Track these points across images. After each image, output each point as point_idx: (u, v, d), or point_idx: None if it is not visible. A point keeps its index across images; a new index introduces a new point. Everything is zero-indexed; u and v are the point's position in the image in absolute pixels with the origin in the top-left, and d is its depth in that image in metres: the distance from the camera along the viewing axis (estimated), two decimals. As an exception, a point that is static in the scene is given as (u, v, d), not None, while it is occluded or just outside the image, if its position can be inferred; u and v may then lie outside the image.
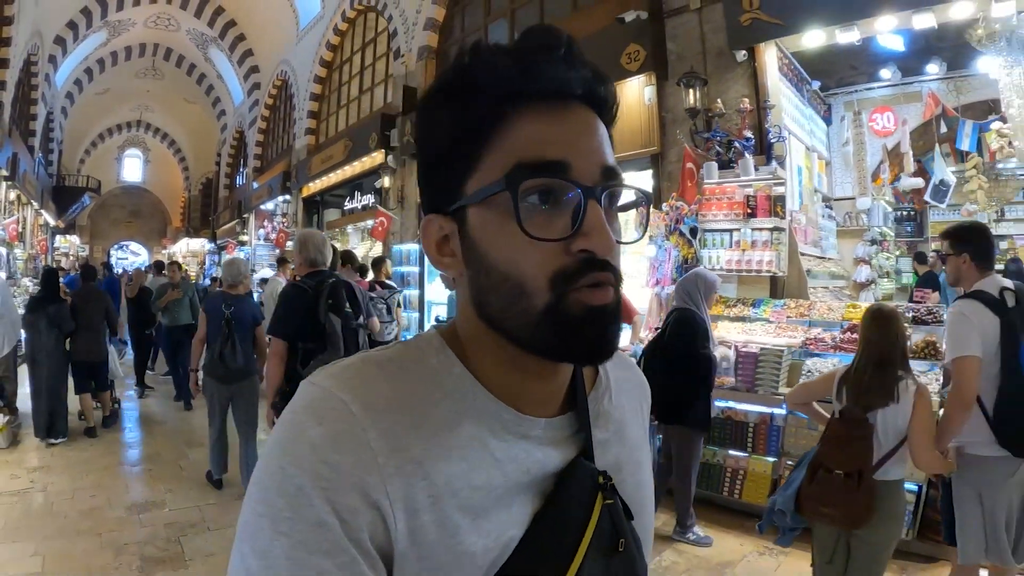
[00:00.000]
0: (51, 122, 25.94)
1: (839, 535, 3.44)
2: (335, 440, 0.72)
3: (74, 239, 35.04)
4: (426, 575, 0.75)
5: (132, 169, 43.29)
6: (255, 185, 24.66)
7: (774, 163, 7.00)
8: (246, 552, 0.70)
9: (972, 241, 3.77)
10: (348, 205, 17.48)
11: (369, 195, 15.75)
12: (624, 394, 1.04)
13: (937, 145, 9.52)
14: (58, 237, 29.92)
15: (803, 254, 7.27)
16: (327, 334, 4.68)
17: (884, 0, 6.72)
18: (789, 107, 8.25)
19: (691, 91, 7.48)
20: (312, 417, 0.74)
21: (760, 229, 6.84)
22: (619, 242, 0.81)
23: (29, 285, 15.63)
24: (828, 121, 10.44)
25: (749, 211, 6.84)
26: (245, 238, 25.69)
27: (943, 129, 9.48)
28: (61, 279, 10.00)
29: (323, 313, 4.70)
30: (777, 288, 7.05)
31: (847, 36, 7.14)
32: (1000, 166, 10.08)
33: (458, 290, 0.88)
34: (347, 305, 4.88)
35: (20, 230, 17.98)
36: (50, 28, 21.08)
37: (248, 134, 26.92)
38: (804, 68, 9.18)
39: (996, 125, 8.75)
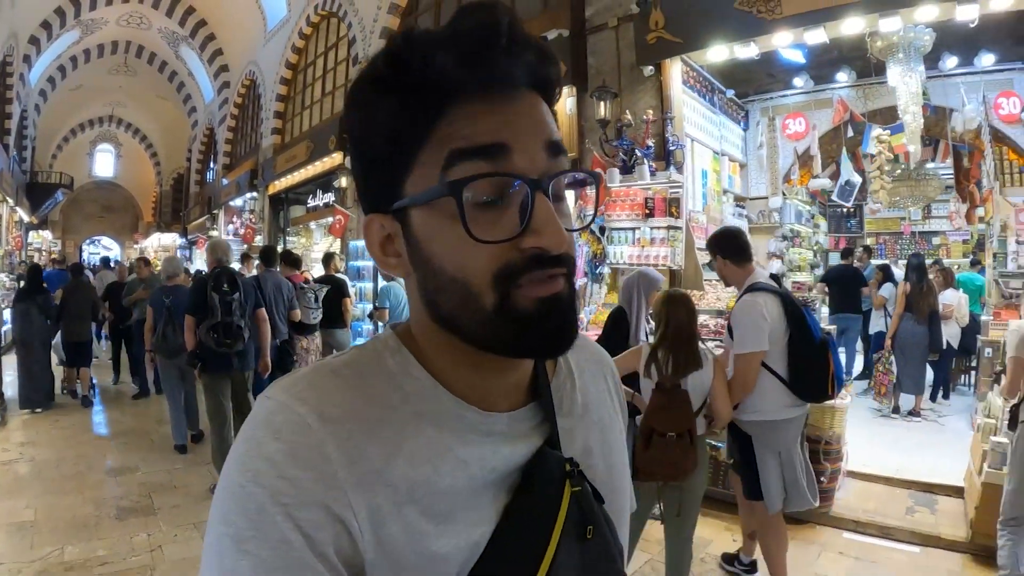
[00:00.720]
0: (24, 120, 26.22)
1: (654, 494, 4.05)
2: (293, 455, 0.72)
3: (46, 234, 35.25)
4: None
5: (104, 164, 43.75)
6: (224, 182, 25.27)
7: (672, 168, 7.83)
8: (213, 574, 0.70)
9: (720, 245, 4.50)
10: (311, 203, 18.26)
11: (330, 194, 16.47)
12: (587, 375, 1.03)
13: (844, 148, 10.42)
14: (31, 233, 30.22)
15: (701, 249, 8.06)
16: (209, 306, 6.30)
17: (778, 19, 7.36)
18: (694, 116, 9.12)
19: (602, 103, 8.31)
20: (269, 432, 0.74)
21: (657, 228, 7.64)
22: (569, 230, 0.80)
23: (6, 280, 16.20)
24: (745, 126, 11.28)
25: (648, 212, 7.64)
26: (215, 233, 26.02)
27: (850, 133, 10.29)
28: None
29: (208, 292, 6.34)
30: (676, 280, 7.80)
31: (746, 52, 7.90)
32: (930, 165, 10.85)
33: (408, 290, 0.88)
34: (224, 286, 6.45)
35: None
36: (25, 29, 21.53)
37: (218, 131, 27.42)
38: (724, 78, 10.00)
39: (875, 132, 9.65)
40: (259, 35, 22.12)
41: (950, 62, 9.48)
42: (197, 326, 6.38)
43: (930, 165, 10.80)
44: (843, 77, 10.31)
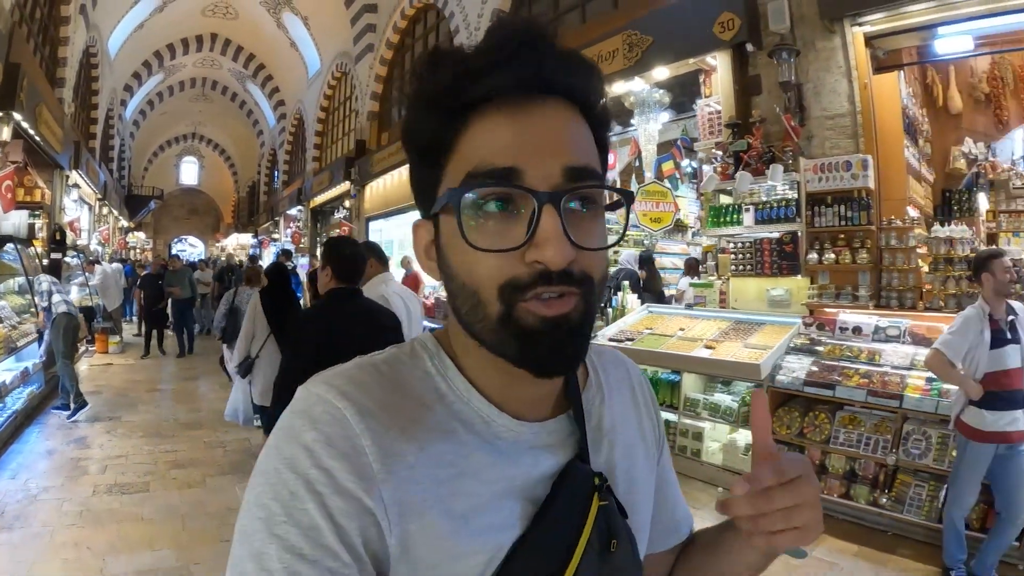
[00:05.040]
0: (122, 145, 32.63)
1: None
2: (329, 444, 0.76)
3: (140, 235, 40.93)
4: None
5: (189, 173, 50.89)
6: (283, 194, 31.95)
7: None
8: (243, 554, 0.74)
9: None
10: (336, 216, 24.47)
11: (345, 211, 22.77)
12: (616, 393, 1.08)
13: (634, 175, 13.15)
14: (128, 234, 35.44)
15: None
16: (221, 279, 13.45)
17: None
18: None
19: None
20: (307, 421, 0.78)
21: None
22: (584, 248, 0.80)
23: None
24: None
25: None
26: (277, 236, 33.21)
27: (637, 163, 12.82)
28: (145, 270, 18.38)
29: (223, 274, 13.68)
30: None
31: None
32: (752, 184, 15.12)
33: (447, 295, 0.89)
34: (228, 272, 13.65)
35: (109, 234, 24.72)
36: (120, 81, 28.23)
37: (279, 153, 34.14)
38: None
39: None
40: (303, 80, 28.25)
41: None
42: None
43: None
44: (635, 121, 11.52)
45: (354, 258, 4.24)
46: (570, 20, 12.55)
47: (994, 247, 6.28)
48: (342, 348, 3.22)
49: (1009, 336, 4.88)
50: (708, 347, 7.32)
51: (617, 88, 10.28)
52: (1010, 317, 4.94)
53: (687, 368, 7.45)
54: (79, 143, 17.58)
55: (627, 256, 11.08)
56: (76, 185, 17.81)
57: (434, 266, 0.89)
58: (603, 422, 1.02)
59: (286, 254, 16.87)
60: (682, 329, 8.07)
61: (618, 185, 9.18)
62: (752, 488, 0.84)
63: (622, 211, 0.90)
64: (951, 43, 8.42)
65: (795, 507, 0.84)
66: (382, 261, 5.39)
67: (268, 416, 5.59)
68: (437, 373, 0.89)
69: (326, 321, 4.02)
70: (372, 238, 20.33)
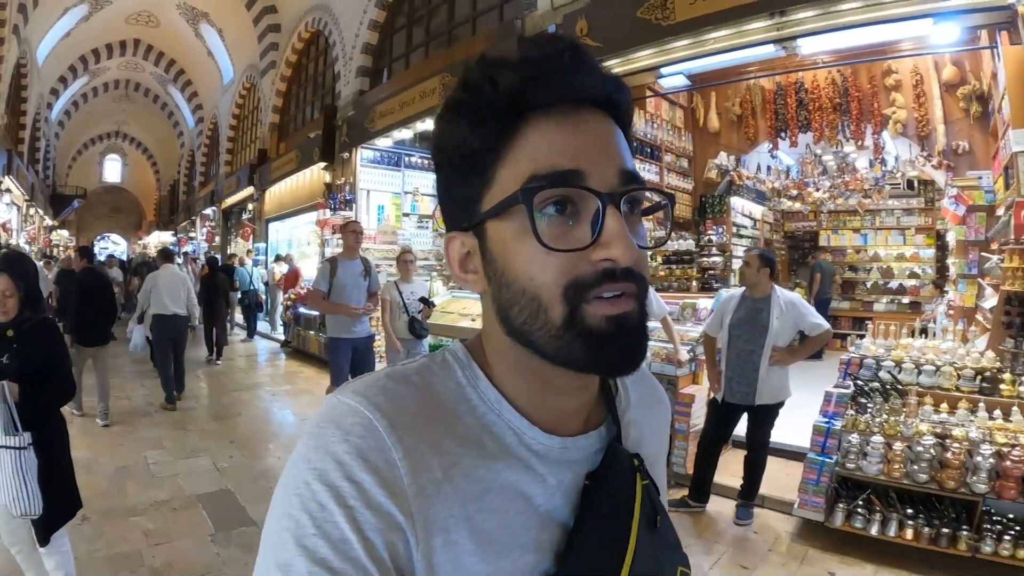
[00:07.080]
0: (48, 146, 34.68)
1: None
2: (360, 458, 0.77)
3: (64, 233, 41.62)
4: None
5: (112, 171, 52.21)
6: (200, 195, 34.57)
7: (348, 207, 16.07)
8: (269, 565, 0.76)
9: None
10: (243, 216, 27.04)
11: (249, 212, 25.53)
12: (643, 410, 1.11)
13: None
14: (52, 232, 36.79)
15: (367, 248, 14.99)
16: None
17: (377, 130, 14.21)
18: (372, 176, 16.03)
19: (327, 173, 16.92)
20: (339, 432, 0.79)
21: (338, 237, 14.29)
22: (642, 247, 0.84)
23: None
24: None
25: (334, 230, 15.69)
26: (194, 234, 35.87)
27: None
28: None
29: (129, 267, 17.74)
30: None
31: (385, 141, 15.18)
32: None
33: (483, 305, 0.94)
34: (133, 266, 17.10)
35: (35, 233, 26.81)
36: (47, 87, 29.83)
37: (196, 155, 36.54)
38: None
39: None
40: (219, 87, 30.58)
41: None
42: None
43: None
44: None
45: (90, 253, 9.55)
46: (414, 60, 15.46)
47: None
48: (88, 289, 9.59)
49: None
50: (472, 320, 9.73)
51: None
52: None
53: (450, 335, 9.80)
54: (11, 151, 19.71)
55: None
56: (8, 190, 19.99)
57: (474, 278, 0.91)
58: (629, 435, 1.05)
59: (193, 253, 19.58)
60: (466, 309, 10.61)
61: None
62: None
63: (656, 214, 0.97)
64: (671, 80, 11.02)
65: None
66: (167, 259, 10.76)
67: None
68: (468, 384, 0.91)
69: (83, 280, 9.35)
70: (270, 237, 23.69)
